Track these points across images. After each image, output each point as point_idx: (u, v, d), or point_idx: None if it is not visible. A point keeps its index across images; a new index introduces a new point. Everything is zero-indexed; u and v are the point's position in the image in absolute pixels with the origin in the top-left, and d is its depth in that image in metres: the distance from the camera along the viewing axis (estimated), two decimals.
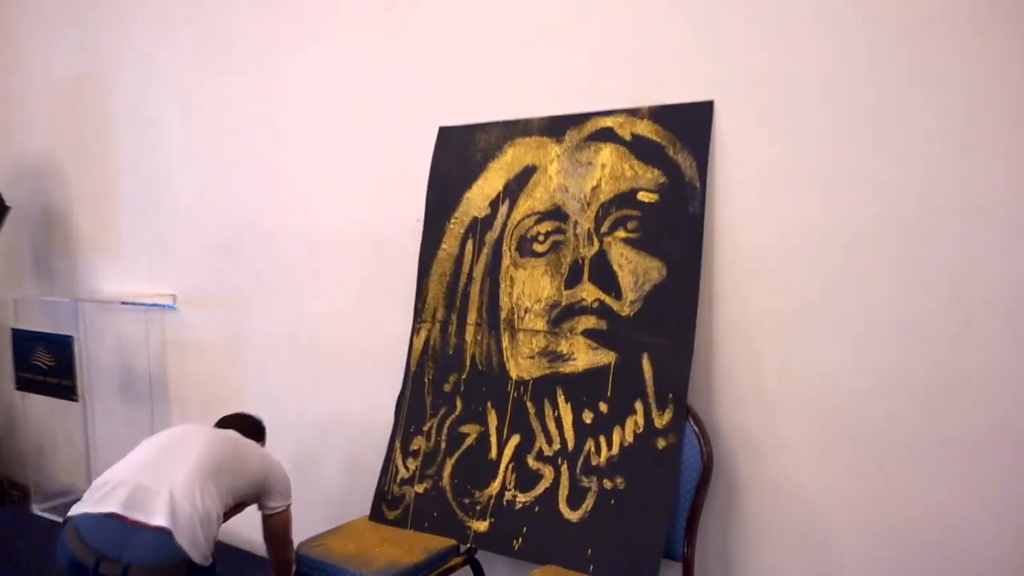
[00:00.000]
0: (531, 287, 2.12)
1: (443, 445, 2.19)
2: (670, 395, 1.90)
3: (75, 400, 3.09)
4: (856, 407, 1.80)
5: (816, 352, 1.84)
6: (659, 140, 1.98)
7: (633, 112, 2.04)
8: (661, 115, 2.00)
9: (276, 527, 2.08)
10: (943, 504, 1.72)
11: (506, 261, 2.17)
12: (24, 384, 3.27)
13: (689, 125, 1.95)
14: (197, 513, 1.77)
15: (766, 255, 1.89)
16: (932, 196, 1.70)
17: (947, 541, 1.72)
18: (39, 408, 3.44)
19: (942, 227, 1.69)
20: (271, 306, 2.88)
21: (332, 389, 2.73)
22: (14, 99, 3.78)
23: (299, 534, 2.19)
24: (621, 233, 2.01)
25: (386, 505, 2.23)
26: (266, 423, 2.35)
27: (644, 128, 2.01)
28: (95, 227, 3.50)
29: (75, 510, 1.82)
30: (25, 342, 3.23)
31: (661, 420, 1.89)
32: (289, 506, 2.09)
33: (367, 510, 2.27)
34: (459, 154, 2.32)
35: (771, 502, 1.92)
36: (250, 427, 2.23)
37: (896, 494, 1.77)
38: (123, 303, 3.20)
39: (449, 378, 2.22)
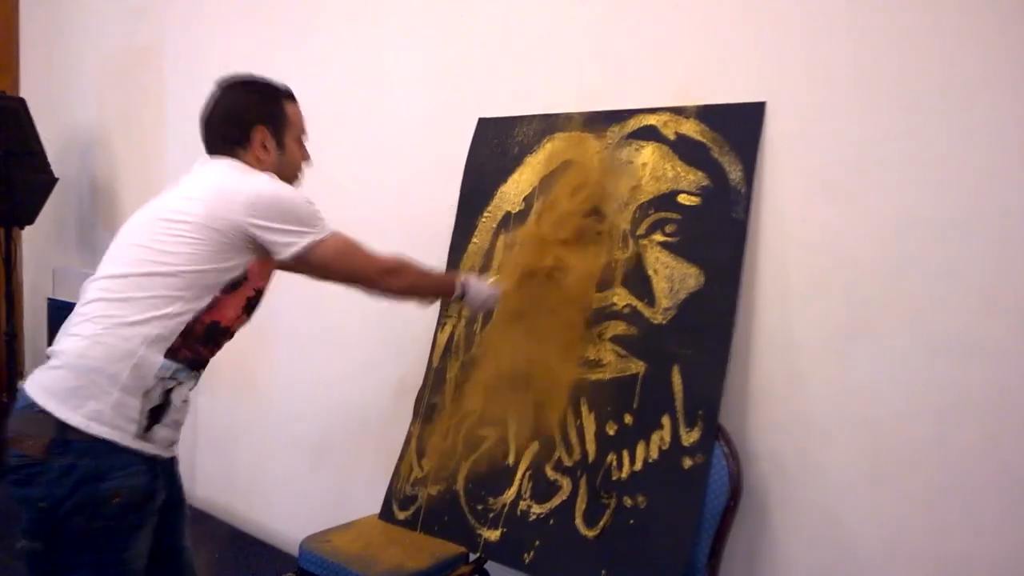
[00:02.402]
0: None
1: (460, 447, 2.11)
2: (700, 412, 1.79)
3: None
4: (906, 434, 1.68)
5: (863, 373, 1.72)
6: (705, 141, 1.88)
7: (679, 111, 1.93)
8: (708, 115, 1.89)
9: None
10: (998, 543, 1.58)
11: None
12: None
13: (738, 127, 1.85)
14: None
15: (813, 267, 1.78)
16: (999, 208, 1.56)
17: None
18: None
19: (1009, 240, 1.55)
20: (298, 292, 2.84)
21: (353, 379, 2.69)
22: (66, 73, 3.86)
23: (308, 527, 2.15)
24: (659, 236, 1.91)
25: (397, 505, 2.17)
26: (287, 411, 2.30)
27: (690, 128, 1.91)
28: (139, 203, 3.49)
29: None
30: (61, 312, 3.24)
31: (689, 438, 1.79)
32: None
33: (378, 507, 2.21)
34: (496, 147, 2.25)
35: (805, 533, 1.80)
36: None
37: (946, 530, 1.63)
38: None
39: (471, 377, 2.15)
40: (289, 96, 1.78)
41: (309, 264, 1.64)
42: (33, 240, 3.89)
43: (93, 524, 1.42)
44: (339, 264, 1.69)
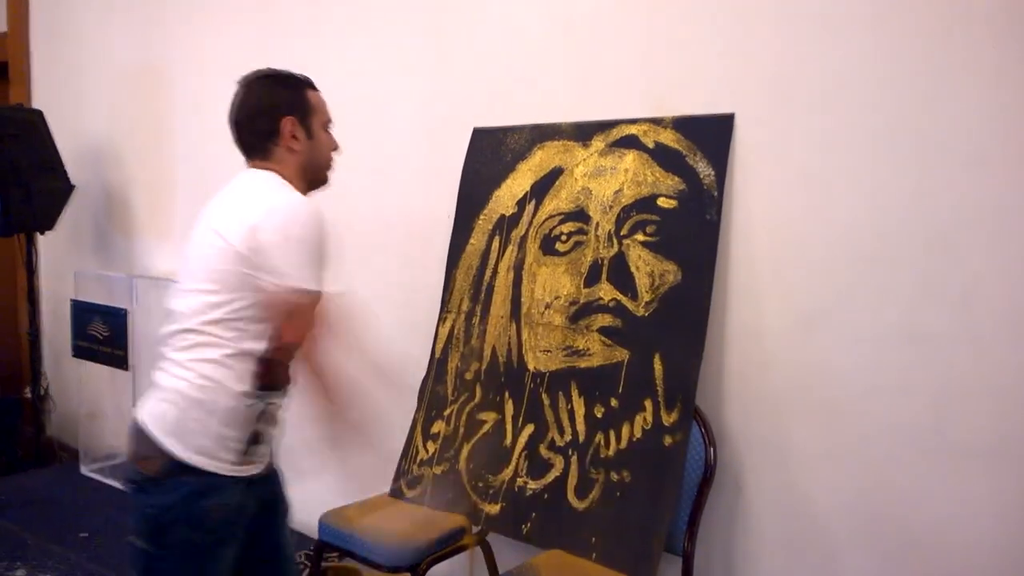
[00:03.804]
0: (552, 284, 2.21)
1: (461, 430, 2.29)
2: (679, 395, 1.97)
3: (126, 369, 3.28)
4: (865, 413, 1.85)
5: (826, 357, 1.90)
6: (680, 149, 2.06)
7: (657, 121, 2.11)
8: (683, 125, 2.07)
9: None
10: (949, 514, 1.76)
11: (529, 258, 2.27)
12: (80, 352, 3.48)
13: (710, 136, 2.02)
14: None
15: (781, 262, 1.95)
16: (949, 207, 1.73)
17: (952, 552, 1.76)
18: (92, 376, 3.63)
19: (958, 237, 1.73)
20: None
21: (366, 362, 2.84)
22: (82, 85, 3.99)
23: (325, 505, 2.32)
24: (640, 236, 2.08)
25: (405, 484, 2.35)
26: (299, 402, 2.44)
27: (667, 137, 2.09)
28: (151, 208, 3.69)
29: None
30: (83, 313, 3.44)
31: (669, 418, 1.97)
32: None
33: (388, 488, 2.39)
34: (490, 154, 2.42)
35: (773, 503, 1.98)
36: None
37: (901, 502, 1.81)
38: (173, 281, 3.37)
39: (471, 367, 2.33)
40: (310, 85, 1.77)
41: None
42: (52, 245, 4.05)
43: (192, 535, 1.58)
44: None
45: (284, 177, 1.66)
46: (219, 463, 1.57)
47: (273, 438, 1.73)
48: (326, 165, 1.77)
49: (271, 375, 1.61)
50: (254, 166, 1.70)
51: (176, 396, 1.56)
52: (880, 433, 1.83)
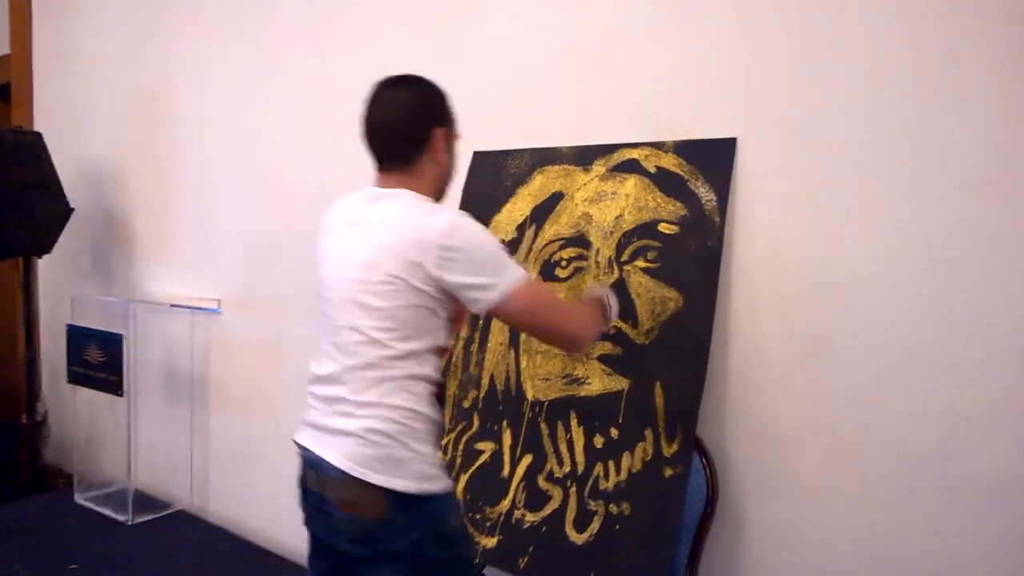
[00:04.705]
0: None
1: (459, 460, 2.24)
2: (679, 425, 1.92)
3: (120, 395, 3.23)
4: (870, 445, 1.80)
5: (830, 386, 1.85)
6: (682, 173, 2.02)
7: (658, 145, 2.08)
8: (685, 149, 2.04)
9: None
10: (959, 551, 1.70)
11: None
12: (75, 377, 3.44)
13: (711, 161, 1.99)
14: None
15: (783, 289, 1.91)
16: (954, 230, 1.69)
17: None
18: (89, 402, 3.60)
19: (964, 261, 1.68)
20: (309, 312, 2.97)
21: None
22: (82, 107, 4.00)
23: None
24: (641, 263, 2.05)
25: None
26: (297, 427, 2.40)
27: (668, 161, 2.06)
28: (151, 232, 3.68)
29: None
30: (79, 338, 3.40)
31: (669, 449, 1.92)
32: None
33: None
34: (490, 178, 2.39)
35: (778, 539, 1.92)
36: None
37: (908, 533, 1.76)
38: (172, 306, 3.35)
39: (469, 394, 2.28)
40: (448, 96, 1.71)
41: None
42: (50, 269, 4.03)
43: (450, 554, 1.60)
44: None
45: (420, 190, 1.62)
46: (440, 482, 1.59)
47: None
48: (450, 182, 1.75)
49: (443, 392, 1.71)
50: (388, 173, 1.65)
51: (376, 435, 1.53)
52: (886, 464, 1.78)
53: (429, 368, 1.59)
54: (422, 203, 1.59)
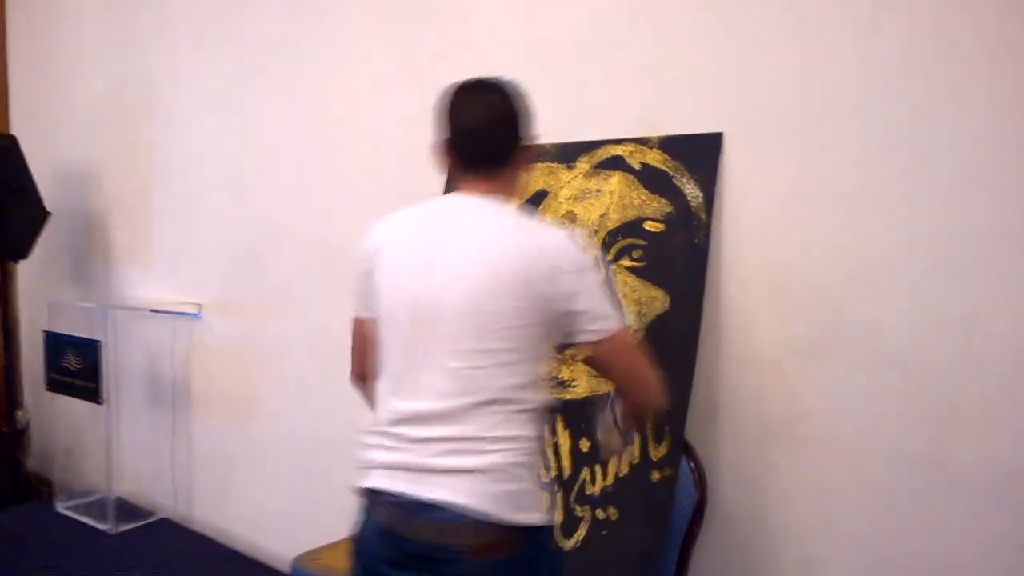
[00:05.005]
0: None
1: None
2: (667, 427, 1.88)
3: (99, 403, 3.17)
4: (862, 445, 1.76)
5: (822, 387, 1.81)
6: (667, 169, 1.98)
7: (643, 141, 2.04)
8: (670, 145, 1.99)
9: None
10: (954, 553, 1.67)
11: None
12: (54, 385, 3.38)
13: (697, 156, 1.95)
14: None
15: (773, 288, 1.87)
16: (947, 229, 1.65)
17: None
18: (70, 409, 3.54)
19: (957, 261, 1.65)
20: (291, 317, 2.94)
21: (347, 402, 2.76)
22: (60, 109, 3.93)
23: (301, 546, 2.22)
24: (626, 262, 2.00)
25: None
26: (279, 433, 2.35)
27: (653, 157, 2.01)
28: (131, 235, 3.62)
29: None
30: (56, 344, 3.34)
31: (657, 452, 1.88)
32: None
33: None
34: None
35: (769, 543, 1.88)
36: None
37: (901, 534, 1.72)
38: (152, 311, 3.29)
39: None
40: None
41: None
42: (30, 274, 3.97)
43: (555, 567, 1.53)
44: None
45: (506, 198, 1.52)
46: (547, 510, 1.48)
47: None
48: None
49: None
50: (474, 179, 1.51)
51: (510, 470, 1.41)
52: (880, 467, 1.74)
53: (546, 395, 1.48)
54: (529, 218, 1.49)
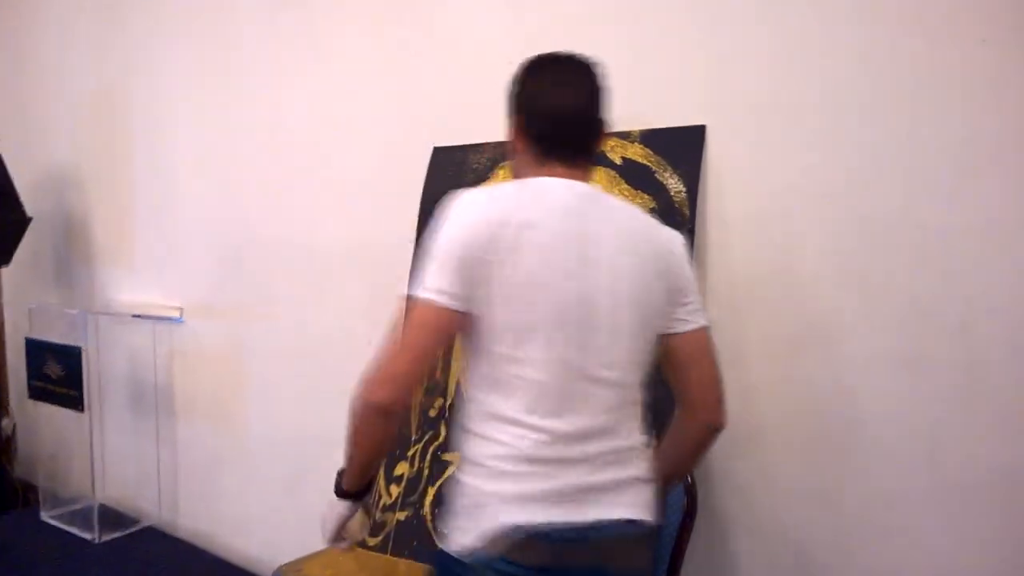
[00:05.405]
0: None
1: (426, 472, 2.14)
2: (655, 430, 1.82)
3: (81, 411, 3.11)
4: (855, 446, 1.71)
5: (814, 385, 1.76)
6: (649, 164, 1.92)
7: (624, 135, 1.98)
8: (652, 138, 1.94)
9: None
10: (949, 553, 1.62)
11: None
12: (36, 393, 3.31)
13: (680, 149, 1.89)
14: None
15: (762, 283, 1.82)
16: (941, 222, 1.60)
17: None
18: (53, 416, 3.48)
19: (953, 254, 1.59)
20: (273, 320, 2.89)
21: (330, 405, 2.72)
22: (37, 112, 3.88)
23: (287, 553, 2.18)
24: None
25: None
26: (264, 437, 2.30)
27: (634, 152, 1.95)
28: (112, 238, 3.57)
29: None
30: (37, 351, 3.28)
31: None
32: None
33: None
34: (452, 175, 2.29)
35: (761, 547, 1.84)
36: None
37: (898, 541, 1.67)
38: (134, 316, 3.23)
39: (435, 403, 2.18)
40: None
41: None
42: (14, 280, 3.92)
43: None
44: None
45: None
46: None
47: None
48: None
49: None
50: (573, 168, 1.36)
51: (647, 479, 1.37)
52: (873, 467, 1.70)
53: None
54: (642, 209, 1.46)
